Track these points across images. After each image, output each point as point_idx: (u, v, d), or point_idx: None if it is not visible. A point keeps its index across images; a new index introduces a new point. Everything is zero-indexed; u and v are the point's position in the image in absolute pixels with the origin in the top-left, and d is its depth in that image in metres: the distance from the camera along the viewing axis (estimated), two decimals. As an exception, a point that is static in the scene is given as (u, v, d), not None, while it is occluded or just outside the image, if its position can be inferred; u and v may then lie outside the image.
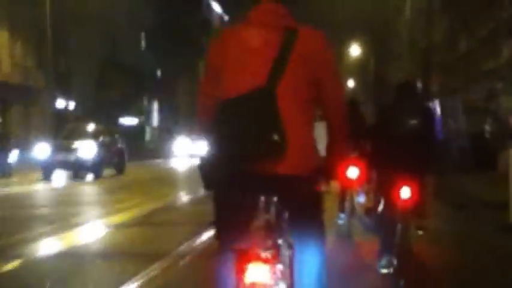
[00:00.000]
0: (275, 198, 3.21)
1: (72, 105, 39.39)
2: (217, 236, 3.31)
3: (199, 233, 8.80)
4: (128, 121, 46.84)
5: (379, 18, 38.89)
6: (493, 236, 8.93)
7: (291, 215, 3.25)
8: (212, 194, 3.27)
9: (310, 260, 3.26)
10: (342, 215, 8.98)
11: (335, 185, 7.15)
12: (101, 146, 22.52)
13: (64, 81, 37.56)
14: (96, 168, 22.00)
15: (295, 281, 3.20)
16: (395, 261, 6.05)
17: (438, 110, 19.42)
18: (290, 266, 3.20)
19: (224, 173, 3.17)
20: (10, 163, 23.58)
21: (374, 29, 40.84)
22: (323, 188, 3.41)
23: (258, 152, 3.09)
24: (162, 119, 53.52)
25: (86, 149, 21.85)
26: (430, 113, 6.79)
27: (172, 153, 42.50)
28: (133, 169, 26.25)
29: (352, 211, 9.08)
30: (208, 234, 8.59)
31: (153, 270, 6.73)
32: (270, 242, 3.10)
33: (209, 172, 3.23)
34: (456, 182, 15.16)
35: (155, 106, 53.47)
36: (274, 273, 3.07)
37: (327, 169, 3.43)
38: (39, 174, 21.75)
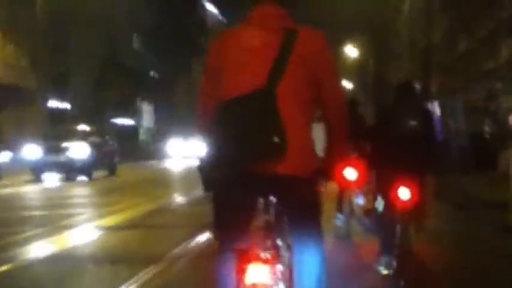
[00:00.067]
0: (275, 199, 3.25)
1: (67, 106, 39.22)
2: (217, 236, 3.33)
3: (194, 235, 8.72)
4: (124, 121, 46.82)
5: (379, 19, 38.91)
6: (493, 236, 8.89)
7: (291, 216, 3.28)
8: (211, 195, 3.28)
9: (309, 260, 3.26)
10: (340, 216, 8.97)
11: (333, 186, 7.25)
12: (92, 146, 22.25)
13: (61, 81, 37.43)
14: (87, 169, 21.75)
15: (294, 282, 3.24)
16: (395, 262, 6.03)
17: (438, 110, 19.31)
18: (289, 267, 3.25)
19: (224, 173, 3.19)
20: None
21: (373, 29, 40.84)
22: (321, 188, 3.42)
23: (258, 152, 3.11)
24: (158, 120, 53.45)
25: (77, 150, 21.64)
26: (429, 114, 6.82)
27: (167, 154, 42.28)
28: (126, 170, 26.10)
29: (351, 212, 9.09)
30: (203, 236, 8.59)
31: (147, 274, 6.60)
32: (269, 243, 3.16)
33: (209, 173, 3.26)
34: (456, 182, 15.17)
35: (152, 107, 53.39)
36: (274, 273, 3.12)
37: (326, 170, 3.45)
38: (29, 176, 21.55)
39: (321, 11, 32.16)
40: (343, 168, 8.23)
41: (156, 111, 53.72)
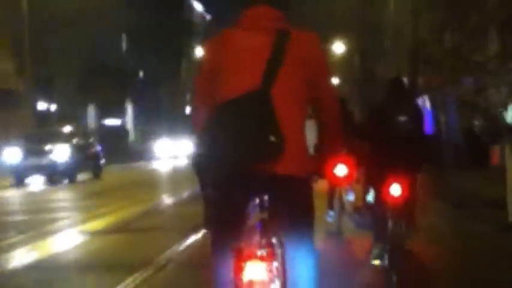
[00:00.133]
0: (270, 198, 3.32)
1: (54, 108, 38.96)
2: (213, 235, 3.39)
3: (182, 238, 8.60)
4: (113, 122, 46.64)
5: (365, 14, 38.96)
6: (493, 235, 8.84)
7: (286, 214, 3.34)
8: (204, 194, 3.43)
9: (302, 258, 3.33)
10: (331, 213, 9.07)
11: (323, 183, 7.31)
12: (75, 148, 21.86)
13: (49, 83, 37.12)
14: (70, 172, 21.29)
15: (288, 279, 3.31)
16: (387, 257, 6.08)
17: (428, 104, 19.21)
18: (282, 264, 3.32)
19: (222, 173, 3.27)
20: None
21: (360, 25, 40.88)
22: (313, 186, 3.51)
23: (256, 152, 3.18)
24: (146, 121, 53.27)
25: (59, 152, 21.19)
26: (420, 110, 6.92)
27: (155, 155, 42.05)
28: (113, 172, 25.83)
29: (342, 208, 9.17)
30: (192, 239, 8.56)
31: (133, 281, 6.41)
32: (265, 241, 3.24)
33: (206, 172, 3.36)
34: (452, 178, 15.06)
35: (139, 107, 53.20)
36: (271, 271, 3.20)
37: (318, 167, 3.55)
38: (10, 180, 21.11)
39: (306, 8, 32.09)
40: (334, 165, 8.26)
41: (143, 112, 53.57)
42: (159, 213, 12.81)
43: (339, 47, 43.25)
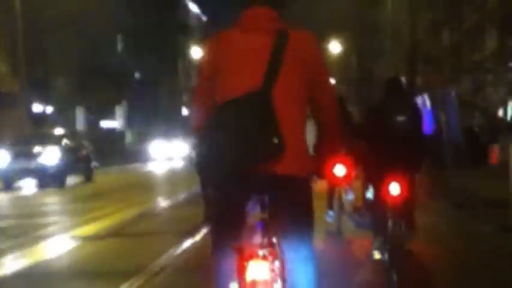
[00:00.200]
0: (271, 197, 3.36)
1: (49, 109, 38.77)
2: (213, 234, 3.45)
3: (178, 243, 8.49)
4: (109, 124, 46.60)
5: (362, 14, 38.95)
6: (494, 236, 8.85)
7: (286, 214, 3.37)
8: (206, 194, 3.49)
9: (302, 257, 3.37)
10: (331, 213, 9.14)
11: (322, 183, 7.34)
12: (65, 151, 21.45)
13: (44, 84, 37.01)
14: (60, 175, 20.83)
15: (289, 278, 3.35)
16: (387, 255, 6.13)
17: (428, 103, 19.10)
18: (282, 263, 3.36)
19: (222, 173, 3.30)
20: None
21: (357, 24, 40.86)
22: (313, 186, 3.56)
23: (258, 153, 3.22)
24: (140, 121, 53.17)
25: (49, 155, 20.77)
26: (418, 109, 6.99)
27: (150, 157, 41.84)
28: (106, 174, 25.57)
29: (341, 208, 9.22)
30: (188, 243, 8.47)
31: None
32: (266, 240, 3.31)
33: (207, 172, 3.43)
34: (453, 178, 14.97)
35: (133, 108, 53.12)
36: (273, 270, 3.26)
37: (318, 168, 3.59)
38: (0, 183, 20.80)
39: (301, 7, 32.00)
40: (333, 165, 8.39)
41: (139, 113, 53.49)
42: (154, 216, 12.58)
43: (335, 47, 43.14)
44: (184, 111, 59.02)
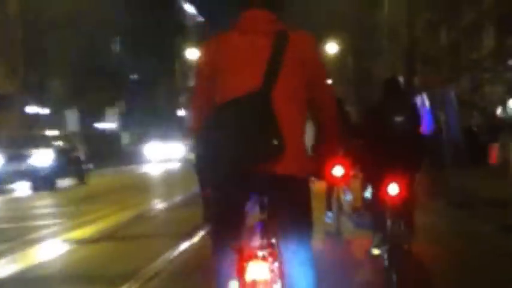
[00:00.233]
0: (270, 198, 3.38)
1: (45, 111, 38.69)
2: (213, 235, 3.46)
3: (174, 246, 8.41)
4: (105, 126, 46.70)
5: (359, 14, 39.03)
6: (494, 236, 8.85)
7: (286, 214, 3.38)
8: (206, 194, 3.46)
9: (301, 258, 3.37)
10: (330, 214, 9.16)
11: (321, 184, 7.43)
12: (57, 153, 21.30)
13: (40, 86, 36.89)
14: (52, 177, 20.68)
15: (288, 279, 3.36)
16: (386, 256, 6.12)
17: (427, 102, 19.03)
18: (281, 264, 3.38)
19: (221, 173, 3.31)
20: None
21: (353, 25, 40.91)
22: (312, 186, 3.56)
23: (257, 153, 3.23)
24: (139, 123, 53.15)
25: (40, 157, 20.63)
26: (416, 109, 7.02)
27: (145, 158, 41.69)
28: (100, 176, 25.45)
29: (340, 209, 9.22)
30: (185, 246, 8.43)
31: None
32: (266, 241, 3.34)
33: (206, 173, 3.42)
34: (452, 177, 14.97)
35: (132, 110, 53.13)
36: (273, 271, 3.30)
37: (317, 169, 3.60)
38: None
39: (298, 8, 31.96)
40: (332, 166, 8.37)
41: (136, 113, 53.48)
42: (149, 219, 12.44)
43: (332, 47, 43.14)
44: (181, 112, 59.03)
